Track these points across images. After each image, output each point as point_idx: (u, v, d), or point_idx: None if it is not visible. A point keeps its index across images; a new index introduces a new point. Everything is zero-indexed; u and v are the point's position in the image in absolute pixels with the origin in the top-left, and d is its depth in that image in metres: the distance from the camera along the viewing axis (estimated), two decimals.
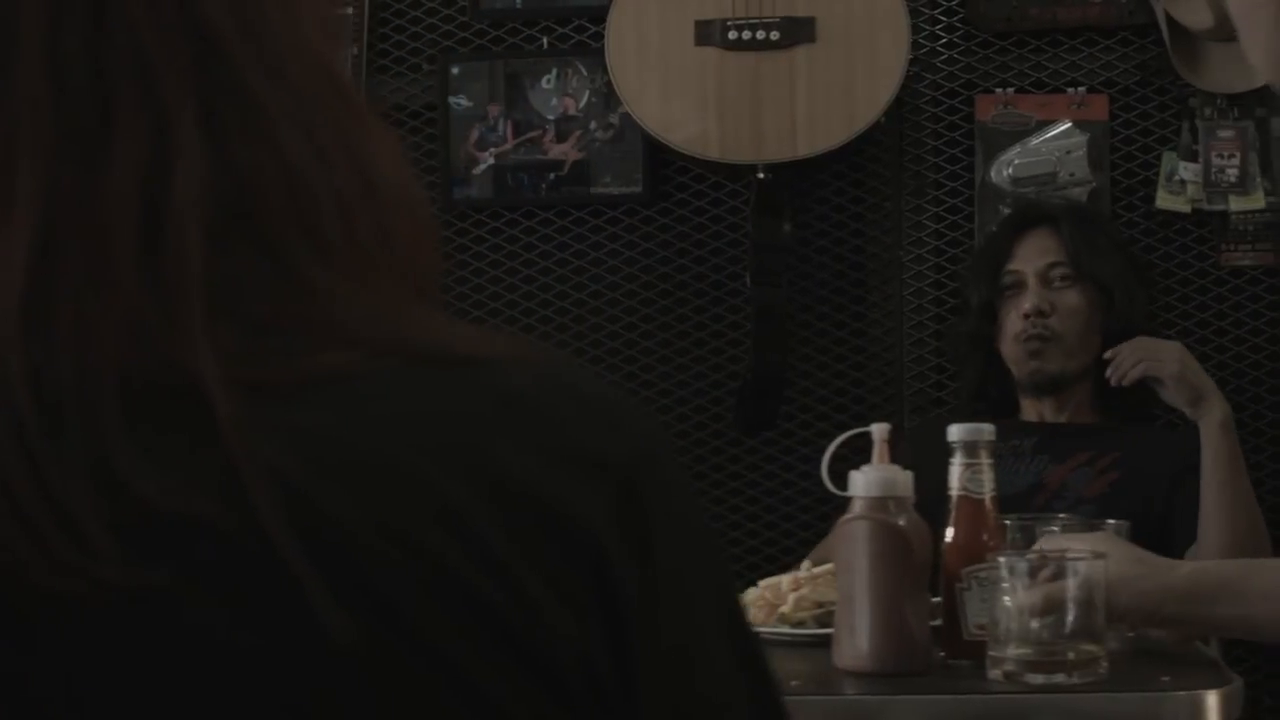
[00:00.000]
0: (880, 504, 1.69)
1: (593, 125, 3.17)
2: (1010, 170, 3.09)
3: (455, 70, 3.19)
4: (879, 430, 1.75)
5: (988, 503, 1.74)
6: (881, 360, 3.16)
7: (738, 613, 0.71)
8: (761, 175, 2.94)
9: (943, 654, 1.73)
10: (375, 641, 0.61)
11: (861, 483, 1.71)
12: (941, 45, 3.15)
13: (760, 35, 2.92)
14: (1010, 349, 2.69)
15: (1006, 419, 2.74)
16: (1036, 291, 2.67)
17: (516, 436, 0.65)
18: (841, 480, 1.75)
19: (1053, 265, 2.69)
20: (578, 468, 0.65)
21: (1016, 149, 3.09)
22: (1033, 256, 2.70)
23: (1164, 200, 3.07)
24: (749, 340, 3.05)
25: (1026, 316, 2.65)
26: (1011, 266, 2.70)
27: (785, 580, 1.97)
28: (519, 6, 3.21)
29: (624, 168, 3.15)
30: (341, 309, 0.66)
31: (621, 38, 2.96)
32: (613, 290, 3.18)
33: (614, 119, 3.14)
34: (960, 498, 1.75)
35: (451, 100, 3.19)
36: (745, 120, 2.92)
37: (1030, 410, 2.73)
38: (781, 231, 2.97)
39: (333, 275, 0.66)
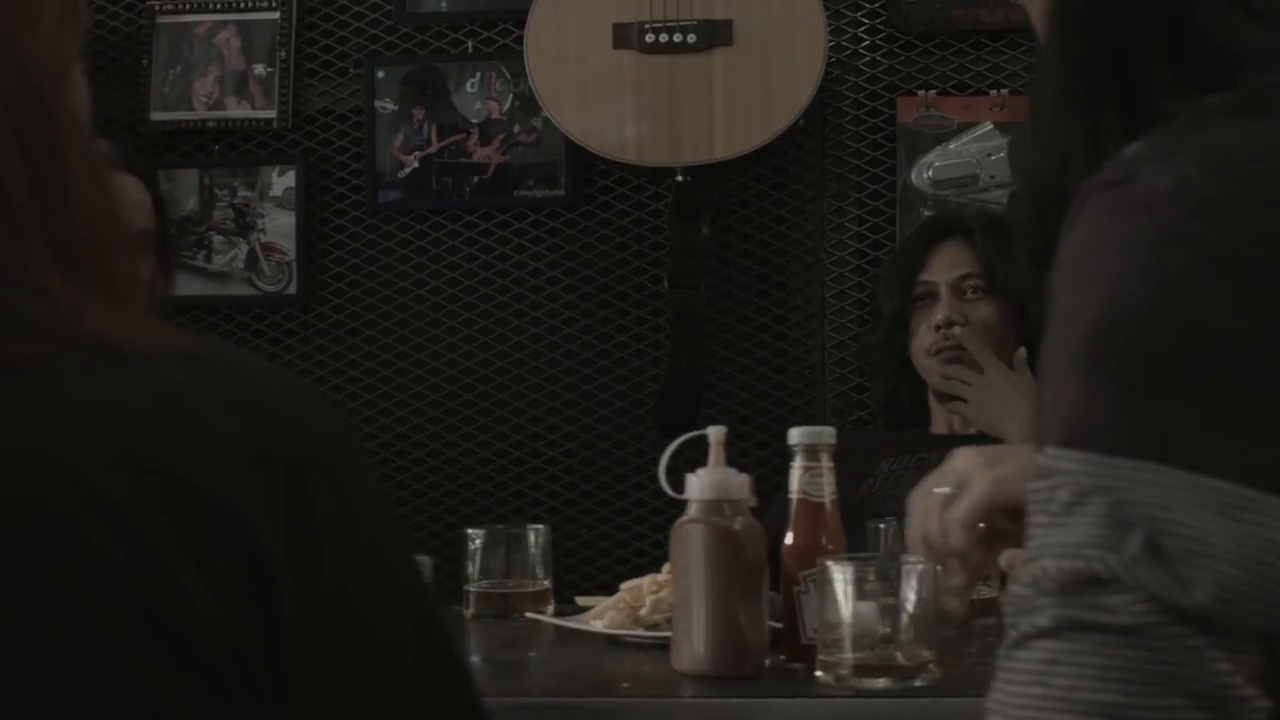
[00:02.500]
0: (715, 507, 1.69)
1: (516, 129, 3.17)
2: (931, 173, 3.08)
3: (380, 74, 3.20)
4: (715, 433, 1.75)
5: (827, 505, 1.73)
6: (803, 363, 3.15)
7: (426, 608, 0.72)
8: (680, 178, 2.94)
9: (783, 657, 1.73)
10: (13, 618, 0.63)
11: (696, 485, 1.70)
12: (864, 47, 3.14)
13: (678, 38, 2.92)
14: (922, 360, 2.67)
15: (918, 430, 2.73)
16: (948, 303, 2.65)
17: (181, 431, 0.67)
18: (680, 484, 1.75)
19: (965, 277, 2.67)
20: (241, 461, 0.67)
21: (937, 151, 3.08)
22: (945, 267, 2.68)
23: None
24: (671, 343, 3.05)
25: (938, 328, 2.63)
26: (924, 277, 2.68)
27: (646, 583, 1.97)
28: (444, 10, 3.21)
29: (547, 171, 3.16)
30: (34, 303, 0.68)
31: (540, 41, 2.96)
32: (536, 293, 3.18)
33: (537, 122, 3.15)
34: (799, 501, 1.74)
35: (377, 104, 3.19)
36: (663, 123, 2.92)
37: (941, 422, 2.71)
38: (699, 234, 2.97)
39: (30, 267, 0.69)
